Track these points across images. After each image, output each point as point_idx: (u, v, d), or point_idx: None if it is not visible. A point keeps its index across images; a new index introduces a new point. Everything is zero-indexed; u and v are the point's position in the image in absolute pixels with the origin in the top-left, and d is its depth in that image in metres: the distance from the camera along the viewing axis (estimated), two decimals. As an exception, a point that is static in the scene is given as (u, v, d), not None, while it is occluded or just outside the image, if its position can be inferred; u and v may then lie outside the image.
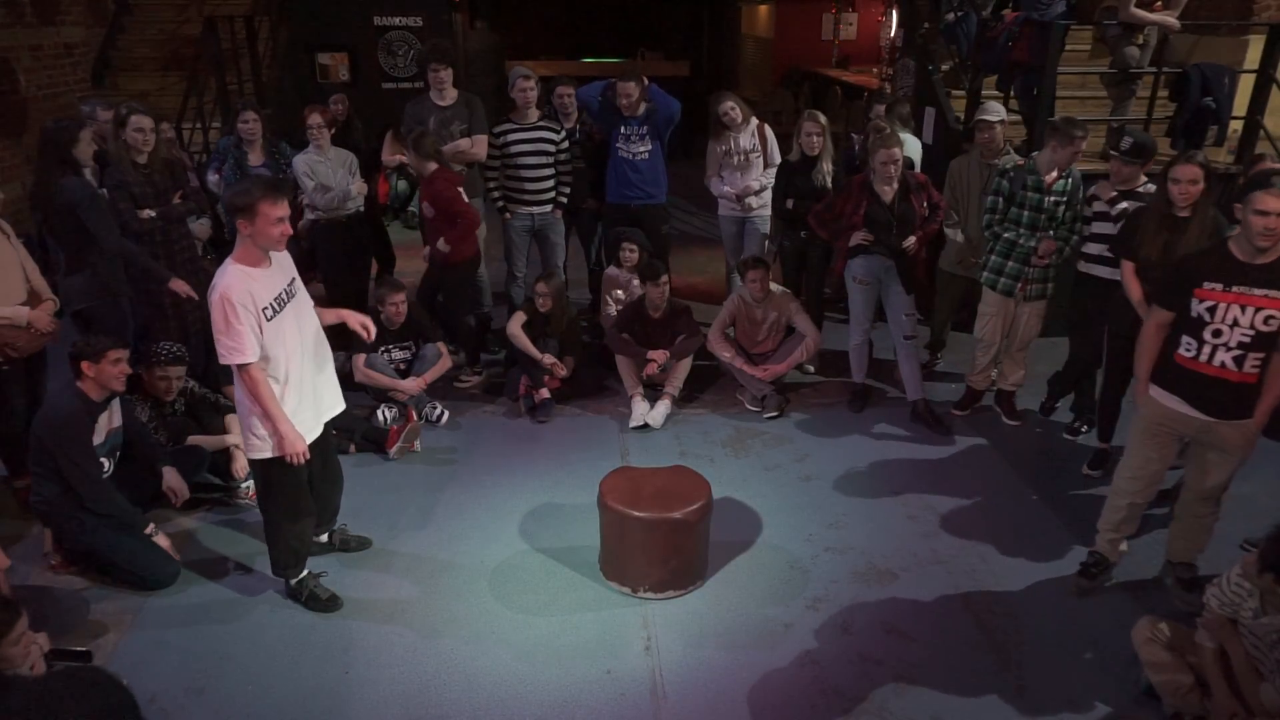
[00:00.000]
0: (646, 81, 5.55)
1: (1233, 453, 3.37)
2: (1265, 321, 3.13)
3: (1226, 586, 2.87)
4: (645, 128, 5.59)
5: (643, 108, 5.57)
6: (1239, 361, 3.18)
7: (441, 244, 5.22)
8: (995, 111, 5.14)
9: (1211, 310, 3.20)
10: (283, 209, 3.17)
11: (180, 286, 4.67)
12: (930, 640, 3.48)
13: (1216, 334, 3.20)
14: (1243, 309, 3.15)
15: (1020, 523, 4.21)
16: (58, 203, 4.25)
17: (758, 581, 3.81)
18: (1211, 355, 3.22)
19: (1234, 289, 3.15)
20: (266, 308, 3.19)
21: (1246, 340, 3.16)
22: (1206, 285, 3.21)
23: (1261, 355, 3.18)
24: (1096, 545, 3.74)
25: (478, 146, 5.49)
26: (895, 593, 3.74)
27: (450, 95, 5.47)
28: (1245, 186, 3.27)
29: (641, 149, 5.62)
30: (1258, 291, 3.12)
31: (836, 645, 3.45)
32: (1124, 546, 3.74)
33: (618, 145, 5.64)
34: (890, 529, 4.18)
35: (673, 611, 3.63)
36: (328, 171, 5.42)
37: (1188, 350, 3.29)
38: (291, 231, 3.25)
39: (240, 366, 3.16)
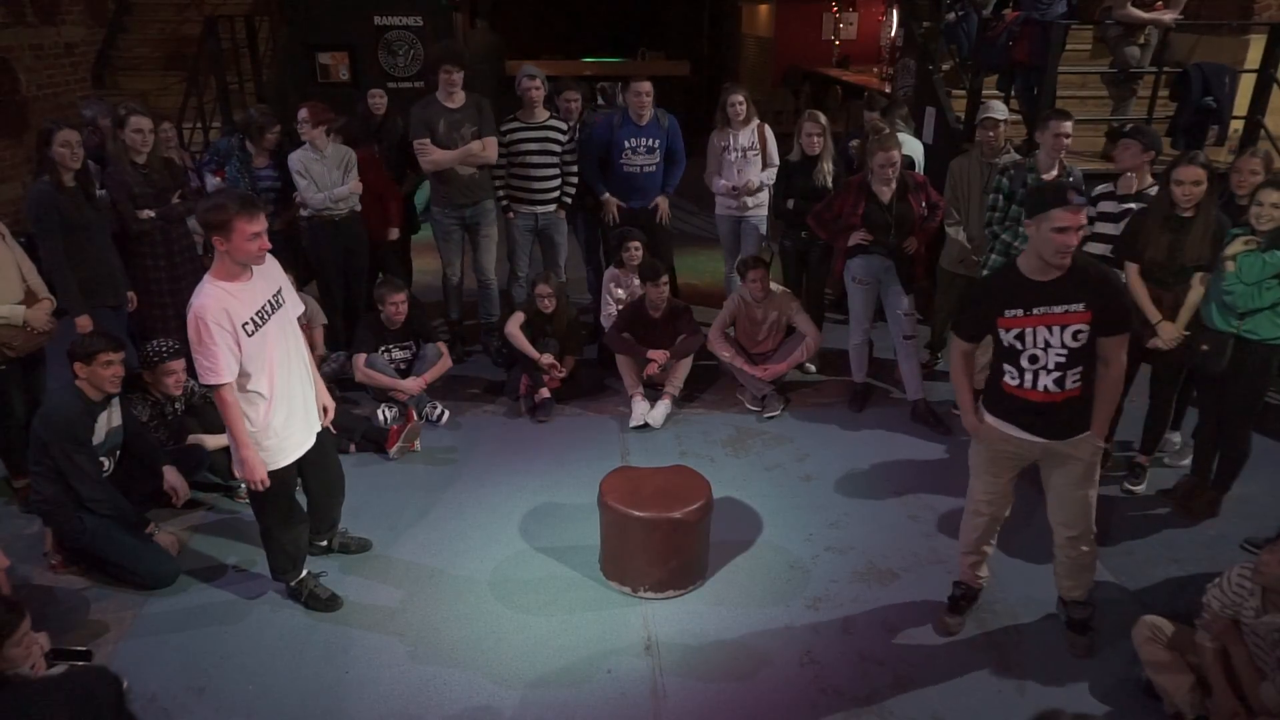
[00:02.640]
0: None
1: (1079, 466, 3.16)
2: (1074, 337, 2.97)
3: (1228, 586, 2.88)
4: (656, 140, 5.58)
5: (649, 115, 5.57)
6: (1060, 382, 3.03)
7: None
8: (1001, 110, 5.15)
9: (1020, 337, 3.03)
10: (259, 224, 3.07)
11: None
12: (930, 640, 3.48)
13: (1033, 359, 3.04)
14: (1050, 329, 2.98)
15: (1020, 522, 4.19)
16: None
17: (758, 581, 3.81)
18: (1035, 381, 3.06)
19: (1035, 311, 2.99)
20: (247, 323, 3.11)
21: (1062, 360, 3.01)
22: (1008, 314, 3.04)
23: (1080, 370, 3.02)
24: (961, 575, 3.55)
25: (489, 149, 5.45)
26: (895, 593, 3.74)
27: (459, 98, 5.40)
28: (1033, 195, 3.05)
29: (649, 162, 5.62)
30: (1058, 309, 2.96)
31: (836, 645, 3.45)
32: (984, 572, 3.53)
33: (621, 161, 5.61)
34: (891, 529, 4.18)
35: (673, 611, 3.63)
36: (322, 170, 5.39)
37: (1011, 379, 3.11)
38: (270, 246, 3.17)
39: (214, 386, 3.11)
